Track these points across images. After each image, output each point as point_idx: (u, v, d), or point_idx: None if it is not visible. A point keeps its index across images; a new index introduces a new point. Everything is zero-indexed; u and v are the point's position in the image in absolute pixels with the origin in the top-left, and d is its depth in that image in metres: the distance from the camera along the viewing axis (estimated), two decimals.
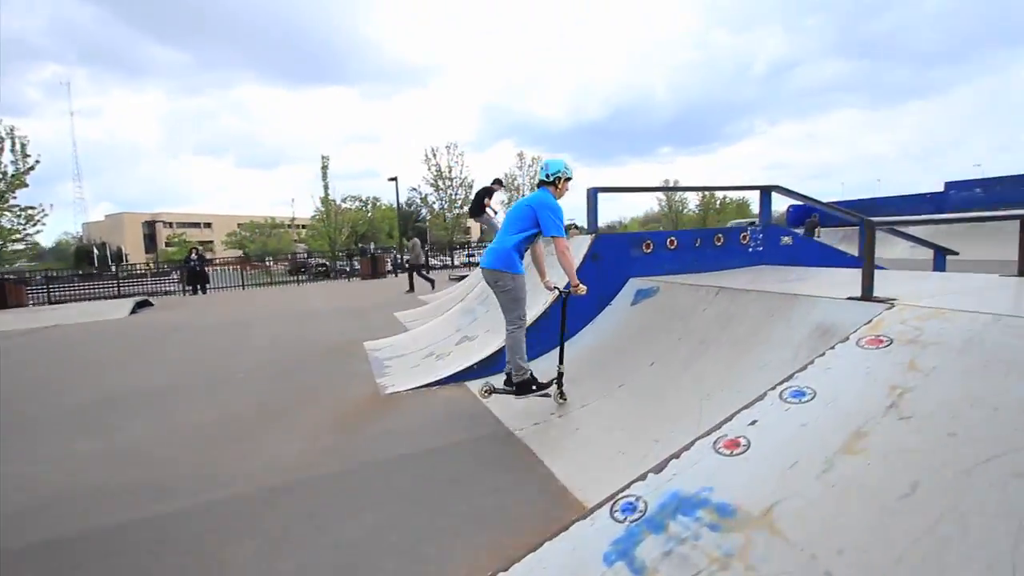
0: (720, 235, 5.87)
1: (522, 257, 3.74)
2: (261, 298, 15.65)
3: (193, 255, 18.67)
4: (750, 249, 6.07)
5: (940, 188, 18.38)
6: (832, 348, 2.67)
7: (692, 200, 61.13)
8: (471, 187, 35.61)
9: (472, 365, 4.83)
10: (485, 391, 3.83)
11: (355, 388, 4.92)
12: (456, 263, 27.57)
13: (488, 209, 9.17)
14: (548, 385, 3.76)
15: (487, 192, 9.38)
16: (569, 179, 3.84)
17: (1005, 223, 15.18)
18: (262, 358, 6.55)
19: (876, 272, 3.16)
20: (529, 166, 40.43)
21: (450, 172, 35.10)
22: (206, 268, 19.42)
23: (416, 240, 14.83)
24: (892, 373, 2.29)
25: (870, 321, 2.78)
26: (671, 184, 59.27)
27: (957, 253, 8.31)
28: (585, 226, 6.33)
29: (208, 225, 71.99)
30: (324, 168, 29.52)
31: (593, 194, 5.56)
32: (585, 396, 3.86)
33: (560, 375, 3.80)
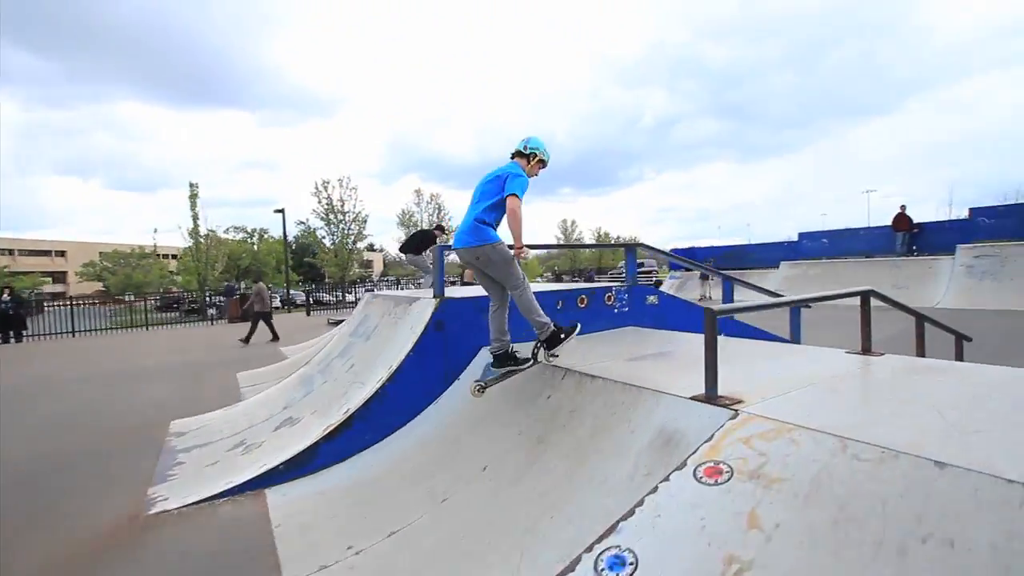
0: (584, 296, 5.44)
1: (494, 227, 3.56)
2: (89, 348, 13.06)
3: (4, 295, 15.39)
4: (615, 310, 5.71)
5: (795, 236, 20.41)
6: (667, 480, 2.12)
7: (589, 237, 64.05)
8: (365, 222, 34.12)
9: (278, 465, 3.81)
10: (479, 389, 3.65)
11: (113, 502, 3.68)
12: (351, 299, 25.75)
13: (425, 253, 8.89)
14: (534, 354, 3.79)
15: (429, 238, 9.06)
16: (543, 163, 3.90)
17: (850, 268, 16.94)
18: (15, 451, 4.96)
19: (726, 342, 2.78)
20: (428, 203, 39.72)
21: (342, 206, 33.34)
22: (24, 309, 16.08)
23: (261, 284, 13.31)
24: (730, 533, 1.75)
25: (711, 437, 2.29)
26: (570, 223, 61.84)
27: (809, 306, 8.77)
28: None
29: (61, 254, 62.36)
30: (193, 196, 26.53)
31: (440, 252, 4.89)
32: (398, 518, 3.03)
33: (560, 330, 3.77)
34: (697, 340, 4.67)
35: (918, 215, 15.95)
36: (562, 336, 3.68)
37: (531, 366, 3.77)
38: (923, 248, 16.34)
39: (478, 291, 4.70)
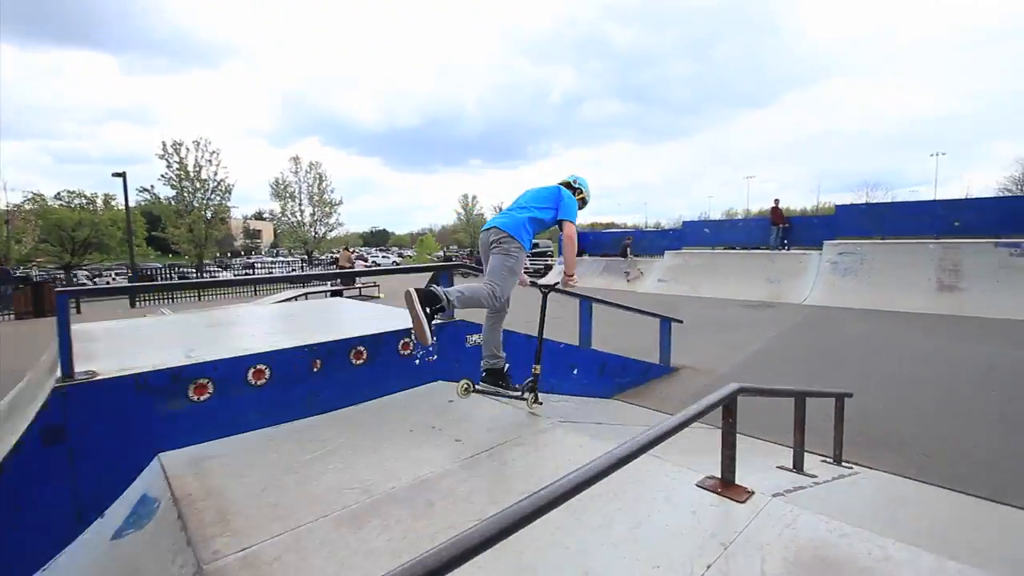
0: (361, 347, 3.71)
1: (530, 237, 3.42)
2: None
3: None
4: (417, 361, 4.06)
5: (687, 216, 20.30)
6: None
7: (489, 212, 62.61)
8: (229, 192, 29.70)
9: None
10: (464, 390, 3.48)
11: None
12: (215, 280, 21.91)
13: None
14: (524, 388, 3.54)
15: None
16: (585, 202, 3.91)
17: (729, 260, 16.90)
18: None
19: None
20: (307, 172, 35.64)
21: (199, 172, 28.62)
22: None
23: None
24: None
25: None
26: (471, 197, 59.81)
27: (681, 321, 7.82)
28: None
29: None
30: None
31: (62, 306, 2.89)
32: None
33: (535, 377, 3.56)
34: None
35: (790, 202, 16.13)
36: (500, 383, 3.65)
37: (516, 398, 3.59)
38: (794, 242, 16.67)
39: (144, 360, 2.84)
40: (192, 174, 28.88)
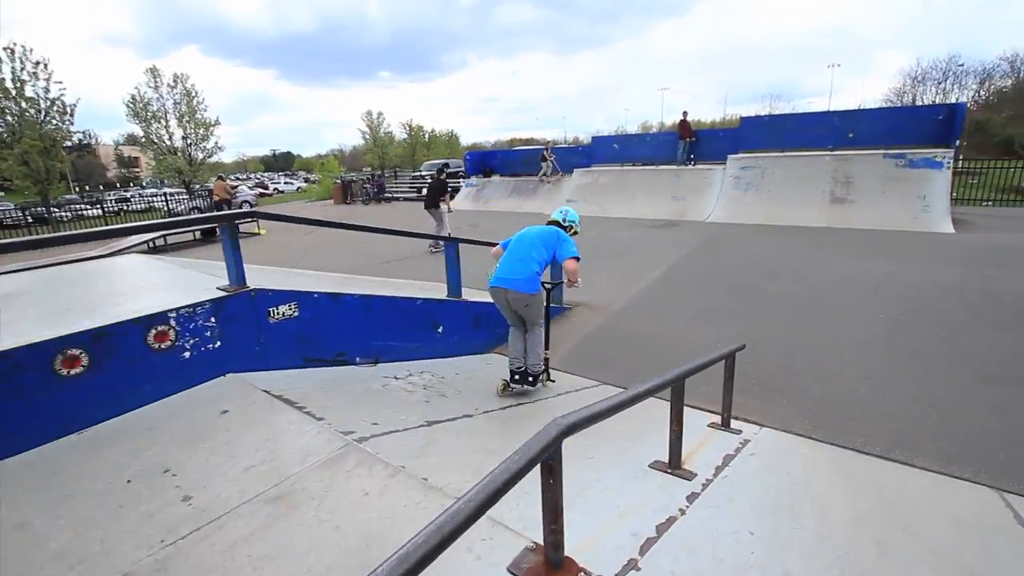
0: (75, 350, 2.49)
1: (539, 285, 4.00)
2: None
3: None
4: (186, 354, 2.90)
5: (603, 132, 19.29)
6: None
7: (399, 131, 57.98)
8: (69, 113, 24.53)
9: None
10: (501, 389, 4.03)
11: None
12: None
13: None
14: (538, 379, 4.15)
15: (442, 186, 10.82)
16: (576, 233, 4.42)
17: (636, 176, 16.40)
18: None
19: None
20: (171, 86, 30.18)
21: (21, 89, 23.16)
22: None
23: None
24: None
25: None
26: (376, 114, 54.72)
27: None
28: None
29: None
30: None
31: None
32: None
33: (547, 360, 4.37)
34: None
35: (701, 114, 15.56)
36: (542, 378, 4.30)
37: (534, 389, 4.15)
38: (700, 157, 16.33)
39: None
40: (14, 91, 23.29)
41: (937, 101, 37.82)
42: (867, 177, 12.43)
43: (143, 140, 30.62)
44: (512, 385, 4.02)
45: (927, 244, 9.43)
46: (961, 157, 15.50)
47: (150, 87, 29.49)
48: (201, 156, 32.00)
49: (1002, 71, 51.89)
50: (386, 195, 24.60)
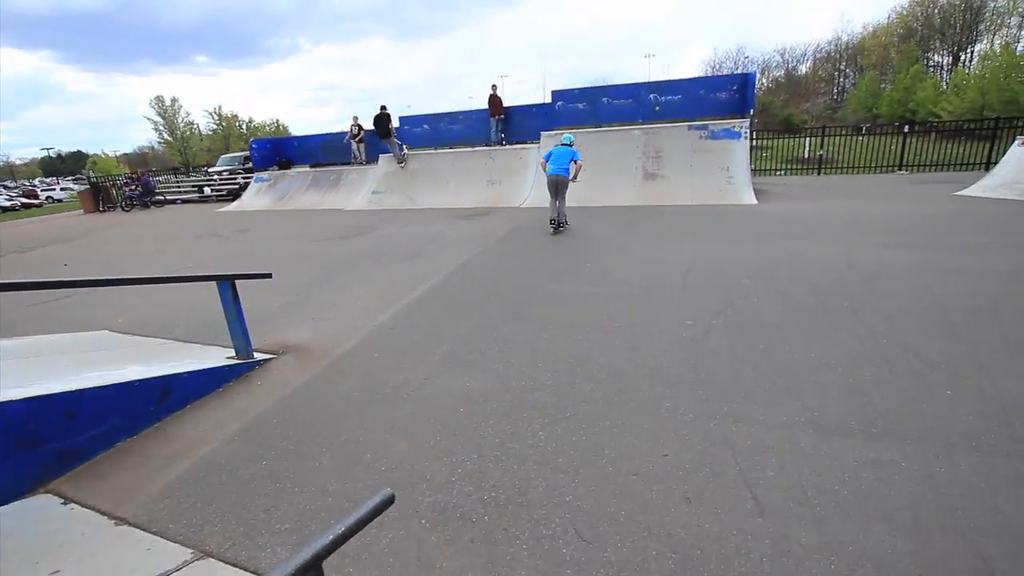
0: None
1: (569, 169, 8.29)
2: None
3: None
4: None
5: (398, 120, 16.74)
6: None
7: (203, 122, 49.43)
8: None
9: None
10: (553, 232, 8.36)
11: None
12: None
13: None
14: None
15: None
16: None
17: (448, 160, 14.36)
18: None
19: None
20: None
21: None
22: None
23: None
24: None
25: None
26: (168, 101, 45.68)
27: (269, 276, 4.60)
28: None
29: None
30: None
31: None
32: None
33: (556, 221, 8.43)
34: None
35: (531, 100, 13.90)
36: (563, 226, 8.52)
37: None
38: (516, 135, 14.84)
39: None
40: None
41: None
42: (676, 151, 11.80)
43: None
44: (559, 229, 8.41)
45: (734, 218, 8.69)
46: (754, 133, 16.11)
47: None
48: None
49: (776, 62, 60.24)
50: (155, 199, 19.47)
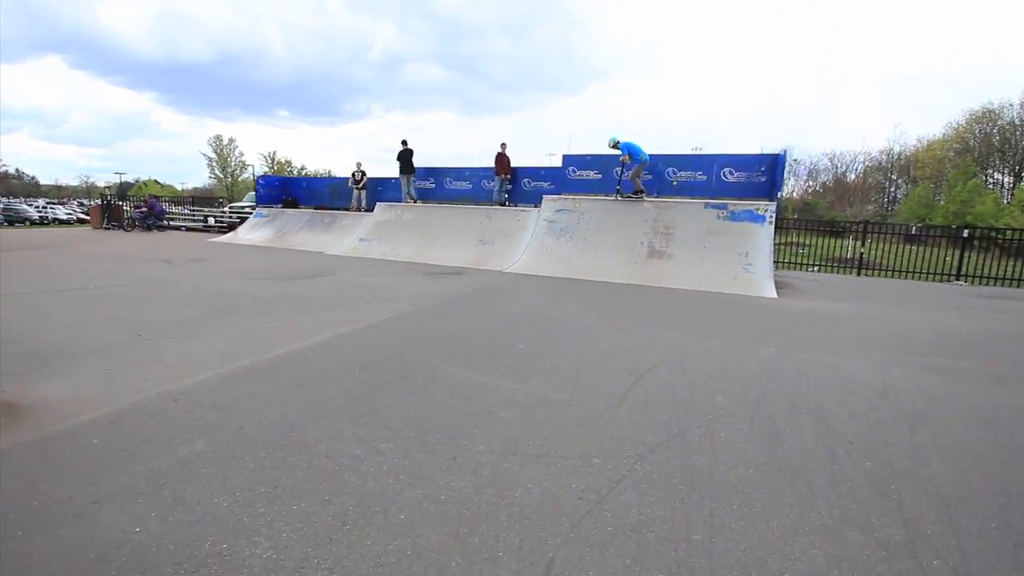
0: None
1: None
2: None
3: None
4: None
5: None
6: None
7: (257, 165, 51.76)
8: None
9: None
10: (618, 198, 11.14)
11: None
12: None
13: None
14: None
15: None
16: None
17: (444, 215, 13.34)
18: None
19: None
20: None
21: None
22: None
23: None
24: None
25: None
26: (228, 140, 48.26)
27: None
28: None
29: None
30: None
31: None
32: None
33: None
34: None
35: None
36: (634, 194, 11.15)
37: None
38: (523, 198, 13.81)
39: None
40: None
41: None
42: (688, 229, 10.36)
43: None
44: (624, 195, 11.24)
45: (742, 311, 7.00)
46: (789, 226, 14.59)
47: None
48: None
49: (824, 166, 59.43)
50: (159, 223, 19.26)
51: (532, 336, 5.13)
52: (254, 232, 16.15)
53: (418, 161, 14.72)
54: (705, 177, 11.71)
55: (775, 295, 8.37)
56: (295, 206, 17.88)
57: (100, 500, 2.15)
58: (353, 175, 15.78)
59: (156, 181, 50.82)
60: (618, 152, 11.06)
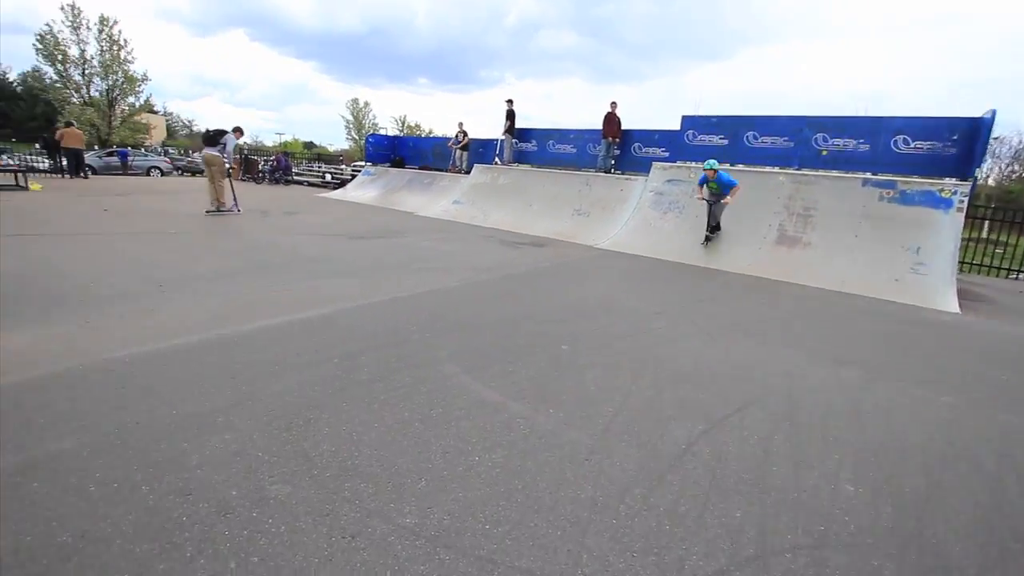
0: None
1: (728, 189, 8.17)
2: None
3: None
4: None
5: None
6: None
7: (390, 127, 54.38)
8: (138, 82, 21.20)
9: None
10: (706, 241, 8.44)
11: None
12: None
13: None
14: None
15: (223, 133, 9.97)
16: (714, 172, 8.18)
17: (541, 180, 12.29)
18: None
19: None
20: (92, 28, 26.60)
21: (82, 52, 19.78)
22: None
23: None
24: None
25: None
26: (363, 103, 51.25)
27: None
28: None
29: None
30: None
31: None
32: None
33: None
34: None
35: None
36: (712, 235, 8.48)
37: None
38: (627, 165, 12.15)
39: None
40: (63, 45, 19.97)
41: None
42: (835, 211, 8.13)
43: (53, 84, 26.96)
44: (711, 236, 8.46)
45: (904, 329, 5.06)
46: (987, 219, 11.15)
47: (67, 25, 25.95)
48: (124, 111, 28.37)
49: None
50: (287, 178, 20.60)
51: (587, 334, 3.94)
52: (359, 189, 16.43)
53: (551, 126, 13.89)
54: (868, 147, 9.10)
55: (957, 310, 6.10)
56: (401, 166, 17.91)
57: None
58: (456, 136, 15.22)
59: (311, 142, 55.81)
60: (710, 174, 8.07)
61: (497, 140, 14.51)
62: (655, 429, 2.49)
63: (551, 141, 13.83)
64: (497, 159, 14.06)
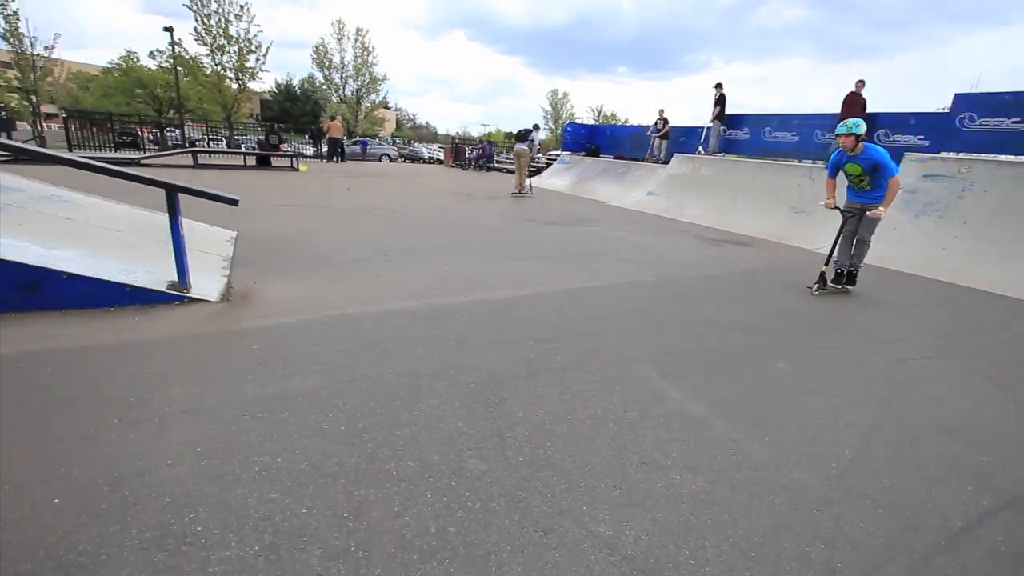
0: None
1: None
2: None
3: None
4: None
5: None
6: None
7: (586, 117, 55.08)
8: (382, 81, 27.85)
9: None
10: (816, 290, 4.85)
11: None
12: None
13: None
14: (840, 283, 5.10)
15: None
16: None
17: (754, 171, 11.04)
18: None
19: None
20: (351, 39, 32.09)
21: (224, 29, 26.56)
22: None
23: None
24: None
25: None
26: (560, 94, 52.66)
27: (235, 203, 3.54)
28: None
29: None
30: None
31: None
32: None
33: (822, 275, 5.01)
34: None
35: None
36: (834, 282, 5.05)
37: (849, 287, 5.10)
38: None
39: None
40: (213, 28, 26.81)
41: None
42: None
43: (320, 86, 33.40)
44: (829, 286, 5.00)
45: None
46: None
47: (334, 37, 31.79)
48: (367, 107, 33.80)
49: None
50: (489, 164, 22.18)
51: (809, 355, 3.31)
52: (554, 177, 16.84)
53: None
54: None
55: None
56: (596, 154, 17.81)
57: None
58: (656, 123, 14.53)
59: (510, 133, 59.67)
60: (847, 143, 4.68)
61: (702, 128, 13.45)
62: (913, 491, 1.93)
63: (767, 128, 12.25)
64: (700, 148, 13.05)
